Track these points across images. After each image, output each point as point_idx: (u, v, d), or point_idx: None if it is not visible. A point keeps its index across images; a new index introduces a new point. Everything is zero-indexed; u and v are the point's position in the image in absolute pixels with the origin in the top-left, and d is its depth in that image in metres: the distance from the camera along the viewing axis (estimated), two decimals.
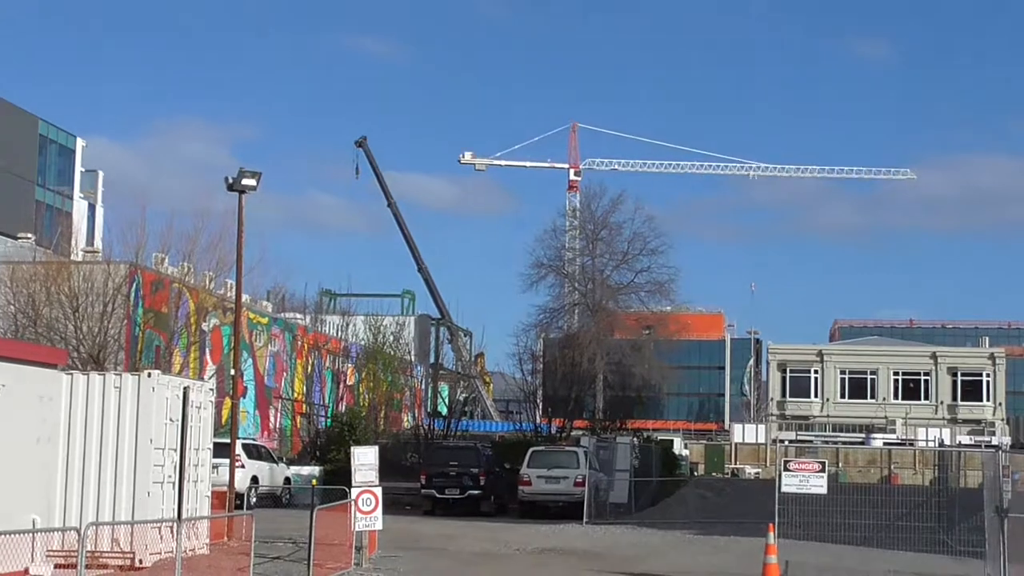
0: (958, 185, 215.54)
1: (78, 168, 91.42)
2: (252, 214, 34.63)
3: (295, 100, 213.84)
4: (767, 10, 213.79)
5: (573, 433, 59.57)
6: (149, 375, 25.16)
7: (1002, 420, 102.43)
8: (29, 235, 58.72)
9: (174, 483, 24.99)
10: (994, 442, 76.89)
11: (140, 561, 23.09)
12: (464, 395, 79.69)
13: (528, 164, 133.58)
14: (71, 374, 24.70)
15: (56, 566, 20.93)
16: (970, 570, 26.08)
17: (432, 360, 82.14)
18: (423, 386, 77.88)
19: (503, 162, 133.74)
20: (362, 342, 70.13)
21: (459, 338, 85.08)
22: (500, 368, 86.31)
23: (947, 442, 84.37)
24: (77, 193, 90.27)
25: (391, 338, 70.30)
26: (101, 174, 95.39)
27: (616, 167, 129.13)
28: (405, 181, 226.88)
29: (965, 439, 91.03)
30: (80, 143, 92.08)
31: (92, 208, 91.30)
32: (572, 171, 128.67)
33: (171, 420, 24.99)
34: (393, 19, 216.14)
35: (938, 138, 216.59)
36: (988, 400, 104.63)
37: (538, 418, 65.13)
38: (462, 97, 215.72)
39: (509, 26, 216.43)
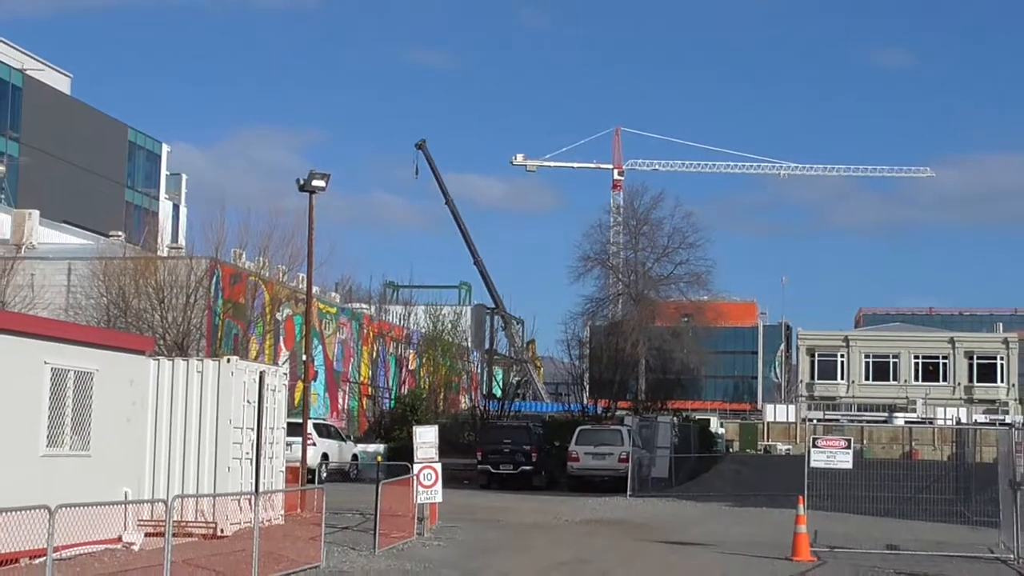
0: (973, 182, 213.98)
1: (163, 172, 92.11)
2: (321, 212, 34.80)
3: (360, 107, 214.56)
4: (796, 23, 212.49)
5: (617, 413, 59.43)
6: (228, 361, 25.31)
7: (1015, 400, 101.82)
8: (120, 233, 59.15)
9: (251, 459, 25.16)
10: (1008, 420, 76.27)
11: (222, 530, 23.28)
12: (517, 378, 79.66)
13: (575, 165, 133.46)
14: (158, 360, 24.88)
15: (146, 534, 21.13)
16: (985, 538, 25.93)
17: (487, 346, 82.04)
18: (479, 370, 77.89)
19: (552, 163, 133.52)
20: (423, 330, 70.22)
21: (512, 326, 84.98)
22: (550, 353, 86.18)
23: (964, 420, 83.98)
24: (163, 195, 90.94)
25: (449, 326, 70.42)
26: (184, 177, 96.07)
27: (657, 167, 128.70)
28: (461, 181, 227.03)
29: (980, 417, 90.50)
30: (165, 149, 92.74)
31: (176, 208, 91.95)
32: (616, 171, 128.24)
33: (248, 402, 25.14)
34: (448, 32, 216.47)
35: (955, 138, 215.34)
36: (1002, 381, 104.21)
37: (585, 399, 65.02)
38: (513, 103, 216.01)
39: (553, 37, 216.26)
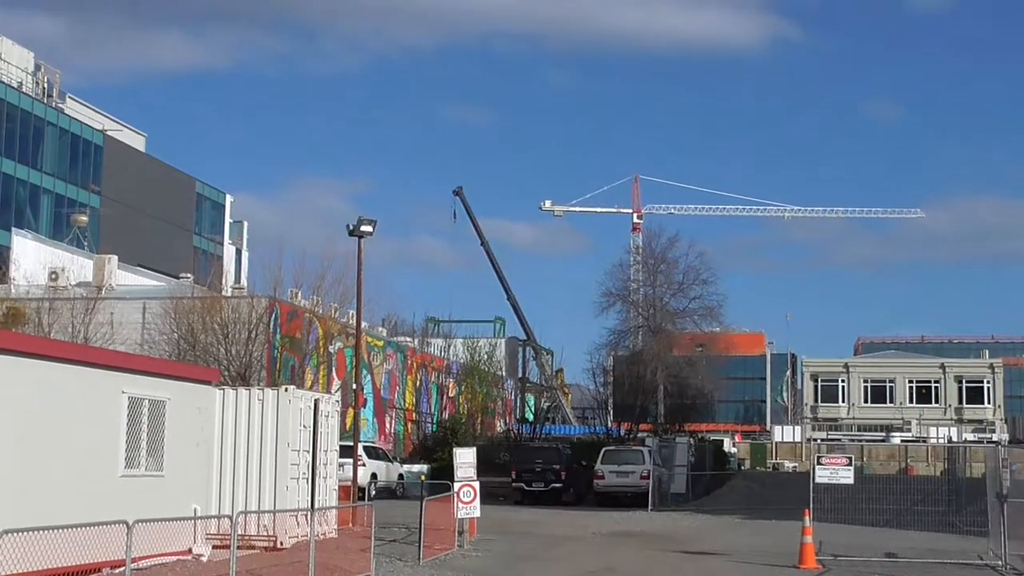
0: (959, 222, 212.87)
1: (227, 220, 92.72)
2: (369, 255, 34.94)
3: (404, 158, 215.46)
4: (797, 79, 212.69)
5: (639, 435, 59.21)
6: (286, 390, 25.36)
7: (1001, 420, 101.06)
8: (188, 275, 59.50)
9: (308, 479, 25.17)
10: (994, 438, 75.74)
11: (281, 543, 23.29)
12: (547, 404, 79.49)
13: (598, 210, 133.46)
14: (223, 389, 24.95)
15: (214, 547, 21.17)
16: (975, 546, 25.72)
17: (520, 375, 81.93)
18: (512, 397, 77.77)
19: (577, 208, 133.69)
20: (461, 360, 70.23)
21: (542, 356, 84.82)
22: (577, 381, 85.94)
23: (955, 439, 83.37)
24: (227, 240, 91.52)
25: (485, 357, 70.37)
26: (246, 224, 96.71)
27: (672, 211, 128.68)
28: (494, 225, 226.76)
29: (970, 436, 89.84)
30: (229, 199, 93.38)
31: (239, 252, 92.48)
32: (635, 215, 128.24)
33: (304, 427, 25.18)
34: (482, 90, 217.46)
35: (942, 182, 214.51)
36: (989, 403, 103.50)
37: (609, 423, 64.83)
38: (541, 154, 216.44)
39: (576, 94, 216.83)
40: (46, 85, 77.48)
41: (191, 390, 22.35)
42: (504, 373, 77.46)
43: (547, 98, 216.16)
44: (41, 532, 13.82)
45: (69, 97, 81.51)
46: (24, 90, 73.23)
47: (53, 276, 49.48)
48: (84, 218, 71.48)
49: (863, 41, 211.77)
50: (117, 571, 16.06)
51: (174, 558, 20.01)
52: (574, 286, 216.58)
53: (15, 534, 12.71)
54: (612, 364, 69.34)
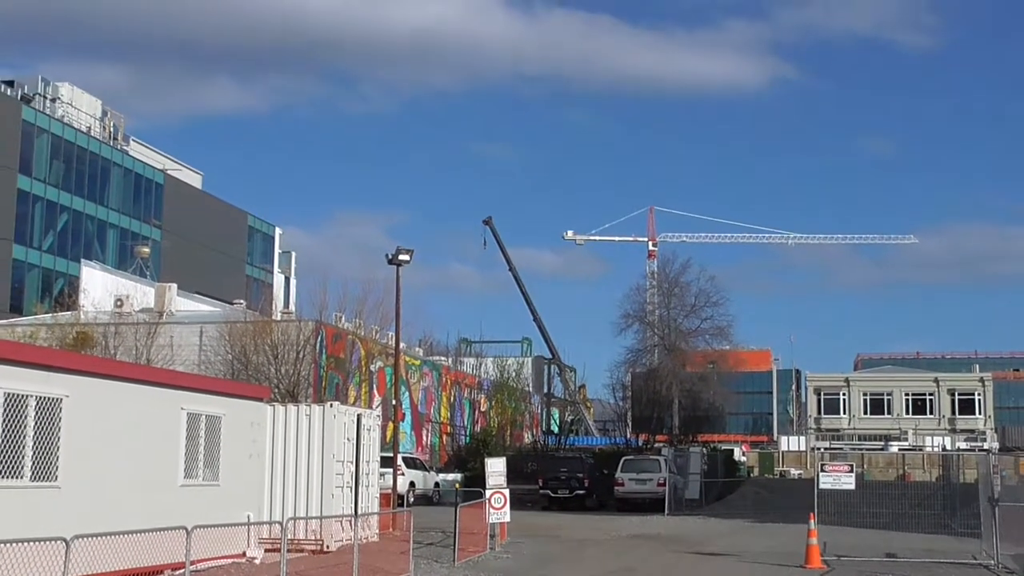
0: (949, 246, 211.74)
1: (276, 250, 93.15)
2: (406, 281, 35.02)
3: (437, 192, 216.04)
4: (798, 118, 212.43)
5: (655, 445, 58.97)
6: (331, 405, 25.42)
7: (991, 429, 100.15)
8: (241, 301, 59.72)
9: (351, 487, 25.19)
10: (985, 447, 74.98)
11: (327, 546, 23.28)
12: (570, 417, 79.25)
13: (616, 238, 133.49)
14: (273, 406, 25.02)
15: (266, 550, 21.17)
16: (969, 547, 25.46)
17: (545, 390, 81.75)
18: (539, 411, 77.64)
19: (597, 237, 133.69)
20: (491, 377, 70.15)
21: (566, 373, 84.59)
22: (598, 396, 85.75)
23: (948, 447, 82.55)
24: (276, 269, 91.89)
25: (514, 374, 70.30)
26: (294, 254, 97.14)
27: (684, 239, 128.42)
28: (521, 254, 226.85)
29: (963, 444, 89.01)
30: (278, 231, 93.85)
31: (287, 280, 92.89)
32: (650, 243, 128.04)
33: (348, 439, 25.22)
34: (507, 129, 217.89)
35: (933, 211, 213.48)
36: (980, 414, 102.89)
37: (628, 434, 64.66)
38: (563, 187, 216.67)
39: (595, 131, 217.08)
40: (112, 129, 78.20)
41: (244, 406, 22.42)
42: (531, 389, 77.36)
43: (568, 136, 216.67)
44: (109, 537, 13.86)
45: (132, 140, 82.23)
46: (92, 134, 73.91)
47: (118, 303, 49.79)
48: (146, 250, 71.96)
49: (856, 82, 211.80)
50: (177, 573, 16.08)
51: (229, 561, 20.02)
52: (595, 308, 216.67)
53: (85, 539, 12.75)
54: (630, 380, 69.18)
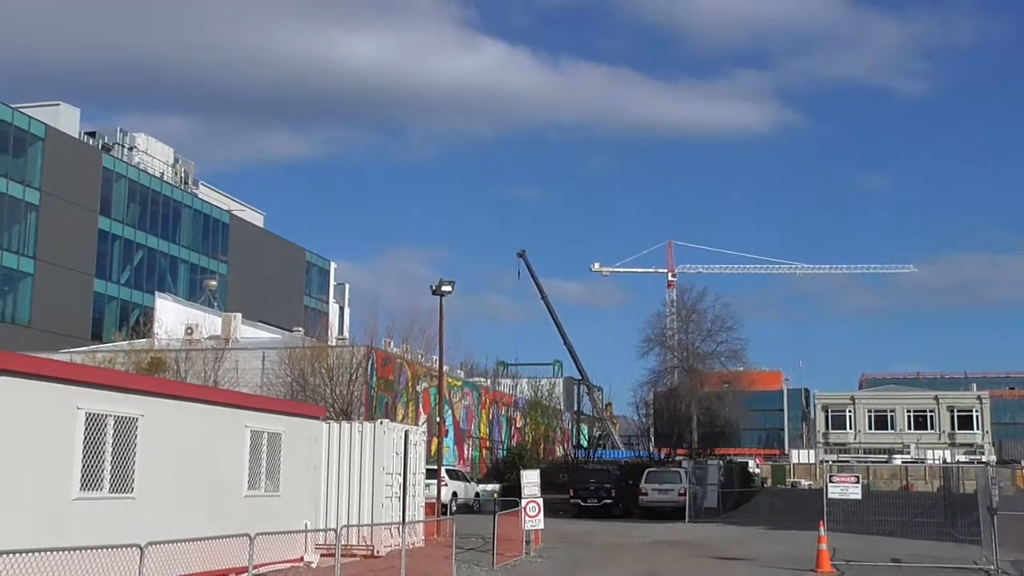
0: (946, 274, 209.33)
1: (332, 283, 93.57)
2: (448, 309, 35.02)
3: (476, 230, 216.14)
4: (800, 158, 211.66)
5: (676, 458, 58.54)
6: (381, 423, 25.43)
7: (989, 443, 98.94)
8: (299, 328, 59.91)
9: (399, 497, 25.14)
10: (984, 459, 73.98)
11: (377, 551, 23.23)
12: (598, 432, 78.82)
13: (639, 270, 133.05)
14: (328, 423, 25.07)
15: (321, 555, 21.15)
16: (970, 553, 25.03)
17: (575, 408, 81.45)
18: (569, 427, 77.29)
19: (621, 269, 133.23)
20: (526, 396, 69.96)
21: (594, 392, 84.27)
22: (624, 413, 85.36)
23: (948, 460, 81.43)
24: (331, 300, 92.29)
25: (546, 393, 70.02)
26: (347, 286, 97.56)
27: (701, 270, 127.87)
28: (551, 284, 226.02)
29: (962, 458, 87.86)
30: (333, 266, 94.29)
31: (341, 310, 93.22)
32: (670, 274, 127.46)
33: (397, 453, 25.19)
34: (539, 174, 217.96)
35: (930, 242, 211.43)
36: (977, 429, 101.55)
37: (651, 448, 64.24)
38: (589, 224, 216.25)
39: (618, 173, 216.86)
40: (183, 174, 79.01)
41: (302, 424, 22.46)
42: (562, 407, 77.07)
43: (593, 177, 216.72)
44: (179, 543, 13.87)
45: (201, 183, 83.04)
46: (165, 179, 74.70)
47: (189, 331, 50.10)
48: (214, 283, 72.46)
49: (856, 124, 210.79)
50: None
51: (289, 565, 20.00)
52: (620, 334, 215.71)
53: (158, 545, 12.76)
54: (652, 398, 68.91)
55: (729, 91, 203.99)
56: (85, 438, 15.47)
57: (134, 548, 12.08)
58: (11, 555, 10.67)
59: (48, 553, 11.64)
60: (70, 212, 63.26)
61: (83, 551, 12.46)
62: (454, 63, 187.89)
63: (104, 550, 12.50)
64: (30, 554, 11.17)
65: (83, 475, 15.38)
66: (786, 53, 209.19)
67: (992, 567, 22.57)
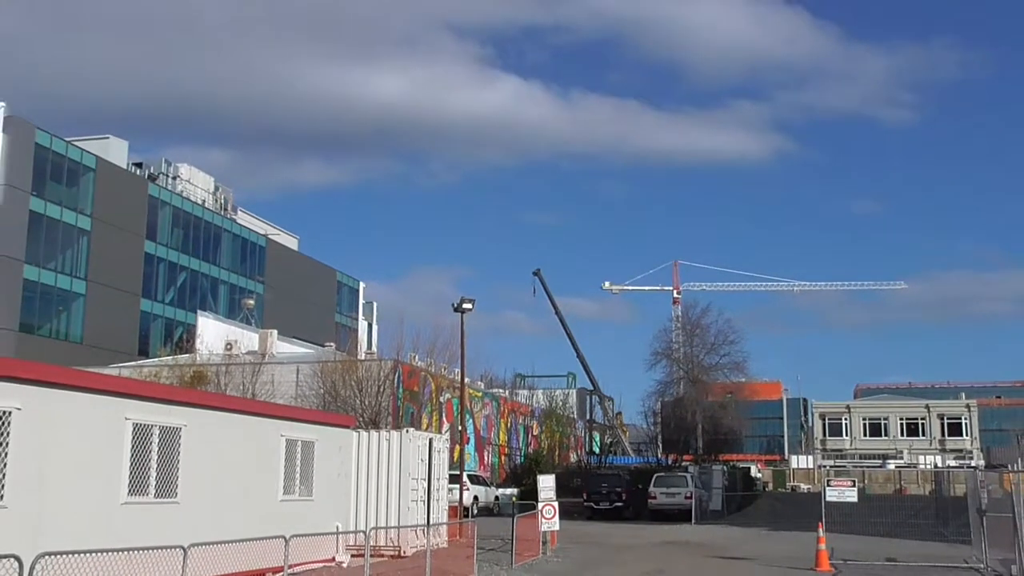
0: (935, 291, 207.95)
1: (360, 301, 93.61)
2: (469, 325, 35.02)
3: (493, 251, 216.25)
4: (796, 183, 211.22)
5: (683, 463, 58.25)
6: (407, 431, 25.39)
7: (978, 449, 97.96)
8: (331, 344, 59.98)
9: (424, 501, 25.09)
10: (972, 464, 73.27)
11: (404, 552, 23.19)
12: (609, 440, 78.64)
13: (646, 288, 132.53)
14: (358, 432, 25.05)
15: (352, 555, 21.13)
16: (960, 552, 24.81)
17: (587, 417, 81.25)
18: (582, 434, 77.08)
19: (630, 287, 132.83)
20: (542, 406, 69.84)
21: (605, 402, 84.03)
22: (633, 421, 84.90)
23: (939, 465, 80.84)
24: (360, 316, 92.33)
25: (560, 403, 69.95)
26: (375, 304, 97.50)
27: (704, 287, 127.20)
28: (565, 302, 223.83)
29: (952, 462, 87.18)
30: (362, 285, 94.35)
31: (370, 326, 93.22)
32: (675, 291, 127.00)
33: (422, 460, 25.16)
34: (553, 200, 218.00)
35: (920, 260, 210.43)
36: (966, 435, 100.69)
37: (659, 454, 63.91)
38: (600, 245, 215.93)
39: (626, 199, 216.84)
40: (222, 201, 79.40)
41: (334, 433, 22.47)
42: (575, 416, 76.88)
43: (603, 202, 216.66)
44: (220, 544, 13.89)
45: (240, 210, 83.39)
46: (206, 205, 75.11)
47: (228, 346, 50.24)
48: (251, 302, 72.67)
49: (847, 152, 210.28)
50: (278, 575, 16.07)
51: (321, 564, 19.98)
52: (629, 347, 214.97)
53: (200, 546, 12.79)
54: (660, 408, 68.59)
55: (728, 121, 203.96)
56: (132, 447, 15.54)
57: (178, 549, 12.11)
58: (68, 555, 10.74)
59: (100, 553, 11.70)
60: (119, 237, 63.67)
61: (131, 552, 12.51)
62: (473, 98, 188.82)
63: (150, 551, 12.54)
64: (84, 555, 11.23)
65: (131, 481, 15.44)
66: (780, 86, 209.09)
67: (982, 565, 22.36)
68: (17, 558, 9.13)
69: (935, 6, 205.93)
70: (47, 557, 9.87)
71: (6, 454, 13.01)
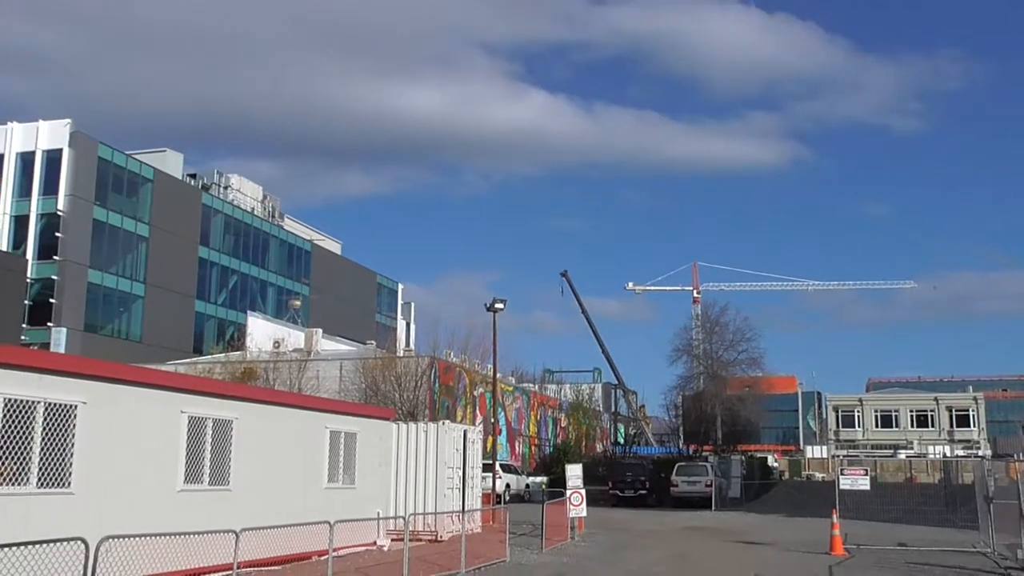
0: (944, 290, 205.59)
1: (399, 302, 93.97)
2: (501, 324, 35.02)
3: (523, 254, 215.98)
4: (810, 188, 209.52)
5: (703, 453, 57.99)
6: (443, 423, 25.47)
7: (985, 440, 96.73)
8: (372, 342, 60.29)
9: (459, 488, 25.14)
10: (980, 454, 72.36)
11: (440, 536, 23.23)
12: (633, 431, 78.38)
13: (667, 288, 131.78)
14: (397, 424, 25.15)
15: (392, 540, 21.20)
16: (969, 538, 24.47)
17: (612, 410, 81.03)
18: (608, 426, 76.92)
19: (652, 288, 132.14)
20: (569, 400, 69.77)
21: (629, 396, 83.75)
22: (656, 414, 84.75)
23: (948, 455, 79.92)
24: (399, 316, 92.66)
25: (587, 397, 69.89)
26: (413, 305, 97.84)
27: (723, 287, 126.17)
28: (591, 302, 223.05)
29: (960, 452, 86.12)
30: (400, 287, 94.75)
31: (408, 325, 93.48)
32: (695, 291, 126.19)
33: (457, 450, 25.21)
34: (577, 207, 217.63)
35: (928, 261, 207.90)
36: (974, 427, 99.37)
37: (681, 444, 63.70)
38: (623, 248, 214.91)
39: (647, 205, 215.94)
40: (271, 209, 79.98)
41: (374, 425, 22.57)
42: (601, 408, 76.72)
43: (626, 208, 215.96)
44: (269, 529, 14.00)
45: (287, 217, 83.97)
46: (256, 213, 75.69)
47: (276, 344, 50.57)
48: (298, 303, 73.15)
49: (858, 158, 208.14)
50: (323, 558, 16.16)
51: (363, 548, 20.08)
52: (651, 344, 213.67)
53: (251, 531, 12.90)
54: (681, 401, 68.40)
55: (744, 131, 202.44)
56: (188, 438, 15.71)
57: (230, 533, 12.22)
58: (129, 539, 10.88)
59: (158, 537, 11.83)
60: (174, 243, 64.34)
61: (187, 536, 12.65)
62: (503, 111, 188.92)
63: (205, 535, 12.67)
64: (144, 538, 11.38)
65: (186, 470, 15.61)
66: (794, 97, 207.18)
67: (989, 550, 22.10)
68: (83, 540, 9.29)
69: (940, 19, 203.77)
70: (110, 540, 10.01)
71: (73, 445, 13.22)
